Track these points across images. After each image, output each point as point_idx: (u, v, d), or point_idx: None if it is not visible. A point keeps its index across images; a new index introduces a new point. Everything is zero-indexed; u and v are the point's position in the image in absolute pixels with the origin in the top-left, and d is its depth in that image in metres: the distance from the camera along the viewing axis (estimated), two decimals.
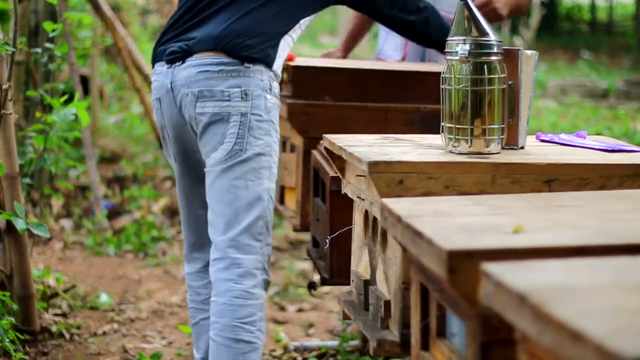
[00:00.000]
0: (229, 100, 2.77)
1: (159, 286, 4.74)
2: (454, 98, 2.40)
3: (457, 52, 2.38)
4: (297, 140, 3.32)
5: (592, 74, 14.22)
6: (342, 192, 2.60)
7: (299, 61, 3.35)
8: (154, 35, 10.39)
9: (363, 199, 2.39)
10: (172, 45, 2.85)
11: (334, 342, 3.95)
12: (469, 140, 2.38)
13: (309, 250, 3.22)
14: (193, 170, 2.96)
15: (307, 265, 4.98)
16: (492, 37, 2.39)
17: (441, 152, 2.38)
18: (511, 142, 2.48)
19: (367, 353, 3.68)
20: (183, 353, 3.83)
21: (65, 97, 3.95)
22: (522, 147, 2.50)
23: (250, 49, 2.78)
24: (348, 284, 2.61)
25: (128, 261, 5.19)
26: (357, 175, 2.39)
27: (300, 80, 3.26)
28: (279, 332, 4.08)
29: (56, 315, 4.13)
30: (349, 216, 2.59)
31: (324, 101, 3.26)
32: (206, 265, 2.98)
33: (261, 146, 2.79)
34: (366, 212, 2.42)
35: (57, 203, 5.76)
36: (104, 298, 4.43)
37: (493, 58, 2.38)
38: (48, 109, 4.07)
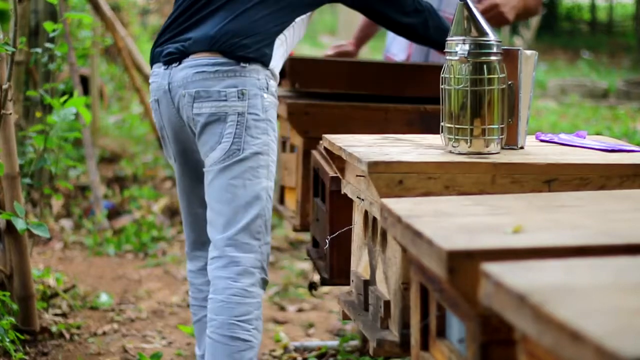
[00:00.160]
0: (225, 100, 2.78)
1: (159, 286, 4.74)
2: (453, 98, 2.40)
3: (456, 52, 2.38)
4: (297, 140, 3.32)
5: (592, 74, 14.22)
6: (342, 192, 2.60)
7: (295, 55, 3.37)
8: (153, 35, 10.38)
9: (363, 199, 2.39)
10: (168, 47, 2.86)
11: (334, 342, 3.95)
12: (468, 140, 2.38)
13: (309, 250, 3.22)
14: (193, 170, 2.96)
15: (307, 265, 4.98)
16: (492, 37, 2.39)
17: (441, 152, 2.39)
18: (511, 142, 2.48)
19: (367, 353, 3.68)
20: (183, 353, 3.83)
21: (65, 97, 3.95)
22: (521, 147, 2.50)
23: (246, 48, 2.79)
24: (348, 284, 2.61)
25: (128, 261, 5.19)
26: (357, 176, 2.39)
27: (298, 72, 3.26)
28: (279, 332, 4.07)
29: (56, 315, 4.13)
30: (349, 216, 2.59)
31: (321, 90, 3.27)
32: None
33: (259, 145, 2.80)
34: (366, 212, 2.42)
35: (57, 203, 5.76)
36: (104, 298, 4.43)
37: (493, 58, 2.38)
38: (48, 109, 4.07)
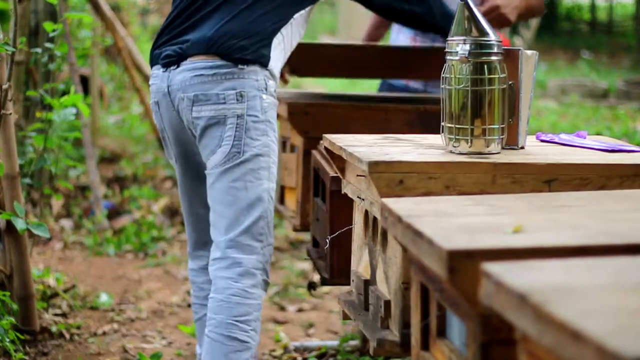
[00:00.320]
0: (224, 103, 2.77)
1: (159, 286, 4.74)
2: (454, 98, 2.40)
3: (457, 52, 2.38)
4: (297, 140, 3.32)
5: (592, 74, 14.22)
6: (342, 192, 2.60)
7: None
8: (153, 35, 10.36)
9: (363, 199, 2.39)
10: (166, 49, 2.86)
11: (334, 342, 3.95)
12: (469, 140, 2.38)
13: (309, 250, 3.22)
14: (194, 171, 2.96)
15: (307, 265, 4.98)
16: (492, 37, 2.39)
17: (441, 152, 2.38)
18: (511, 142, 2.48)
19: (367, 353, 3.68)
20: (183, 353, 3.83)
21: (65, 97, 3.95)
22: (522, 147, 2.50)
23: (243, 50, 2.78)
24: (348, 284, 2.61)
25: (128, 261, 5.19)
26: (357, 175, 2.39)
27: (296, 59, 3.25)
28: (279, 332, 4.07)
29: (56, 315, 4.13)
30: (349, 216, 2.59)
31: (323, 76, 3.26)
32: None
33: (259, 147, 2.79)
34: (366, 212, 2.42)
35: (57, 203, 5.76)
36: (104, 298, 4.43)
37: (493, 58, 2.38)
38: (48, 109, 4.07)
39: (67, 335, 3.90)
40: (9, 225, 3.57)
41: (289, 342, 3.97)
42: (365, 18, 6.09)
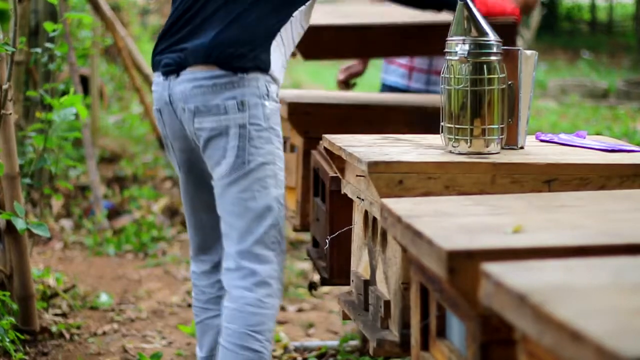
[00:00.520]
0: (225, 114, 2.72)
1: (159, 286, 4.74)
2: (453, 98, 2.40)
3: (456, 52, 2.38)
4: (297, 140, 3.32)
5: (592, 74, 14.22)
6: (342, 192, 2.60)
7: None
8: (153, 36, 10.40)
9: (363, 199, 2.39)
10: (166, 57, 2.80)
11: (334, 342, 3.95)
12: (468, 140, 2.38)
13: (309, 250, 3.22)
14: (198, 177, 2.92)
15: (307, 265, 4.98)
16: (492, 37, 2.39)
17: (441, 152, 2.38)
18: (511, 142, 2.48)
19: (367, 353, 3.68)
20: (183, 353, 3.83)
21: (65, 97, 3.95)
22: (521, 147, 2.50)
23: (242, 58, 2.71)
24: (348, 284, 2.61)
25: (128, 261, 5.19)
26: (357, 176, 2.39)
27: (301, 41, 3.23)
28: (279, 332, 4.07)
29: (56, 315, 4.13)
30: (349, 216, 2.59)
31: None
32: (214, 267, 2.97)
33: (264, 155, 2.74)
34: (366, 212, 2.42)
35: (57, 203, 5.76)
36: (104, 298, 4.43)
37: (492, 58, 2.38)
38: (48, 109, 4.07)
39: (67, 335, 3.90)
40: (9, 225, 3.57)
41: (289, 342, 3.97)
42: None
